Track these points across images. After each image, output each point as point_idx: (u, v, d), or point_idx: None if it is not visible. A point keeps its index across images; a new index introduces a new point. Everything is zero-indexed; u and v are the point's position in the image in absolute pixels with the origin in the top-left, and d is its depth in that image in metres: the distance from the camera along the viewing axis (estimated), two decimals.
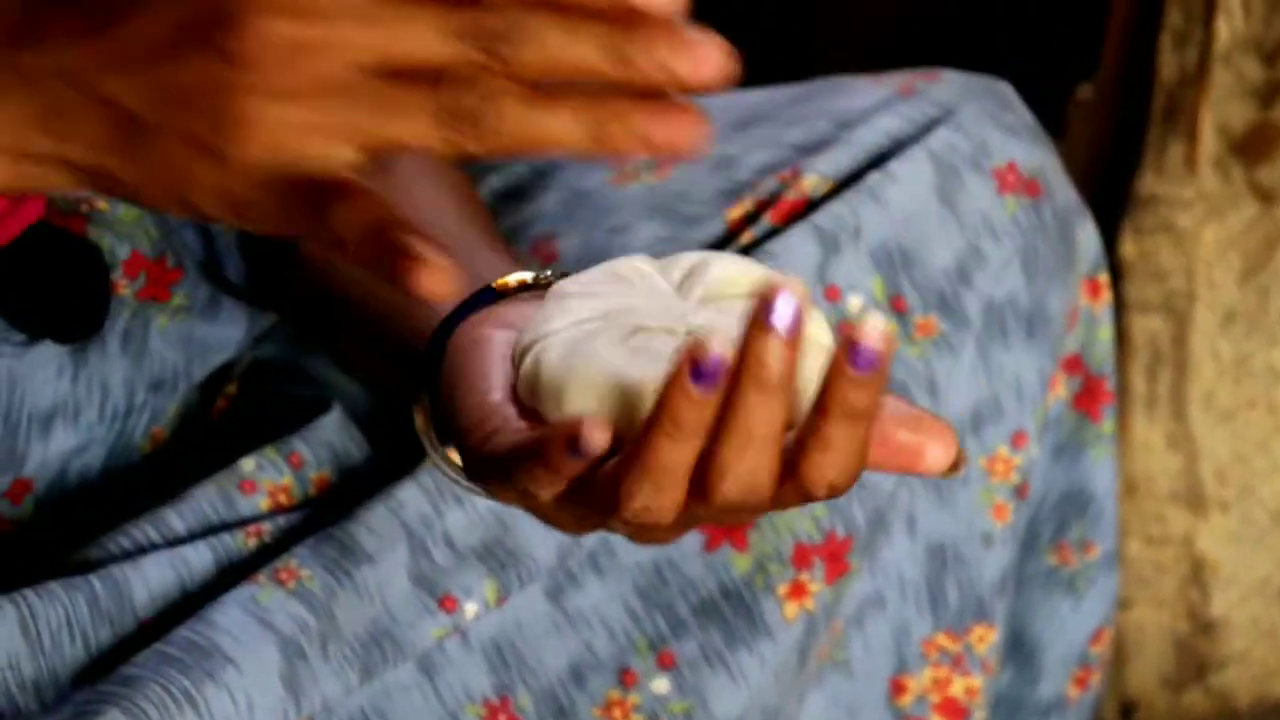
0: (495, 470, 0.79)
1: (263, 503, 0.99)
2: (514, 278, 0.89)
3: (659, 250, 1.08)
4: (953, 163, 1.09)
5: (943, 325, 1.08)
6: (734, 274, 0.82)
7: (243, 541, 0.97)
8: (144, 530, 0.97)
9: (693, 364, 0.72)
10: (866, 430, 0.75)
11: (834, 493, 0.76)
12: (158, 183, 0.74)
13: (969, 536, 1.11)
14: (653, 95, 0.71)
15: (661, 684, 1.04)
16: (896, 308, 1.08)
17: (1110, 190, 1.45)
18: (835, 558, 1.06)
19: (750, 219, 1.09)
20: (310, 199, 0.72)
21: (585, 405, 0.78)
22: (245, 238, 1.11)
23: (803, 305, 0.72)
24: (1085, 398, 1.17)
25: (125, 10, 0.73)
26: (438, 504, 0.99)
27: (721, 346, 0.72)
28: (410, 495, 0.98)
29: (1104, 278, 1.16)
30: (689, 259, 0.83)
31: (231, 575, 0.96)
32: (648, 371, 0.77)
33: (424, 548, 0.98)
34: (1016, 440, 1.11)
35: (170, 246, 1.02)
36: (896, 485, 1.08)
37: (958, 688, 1.12)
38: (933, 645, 1.12)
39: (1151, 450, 1.45)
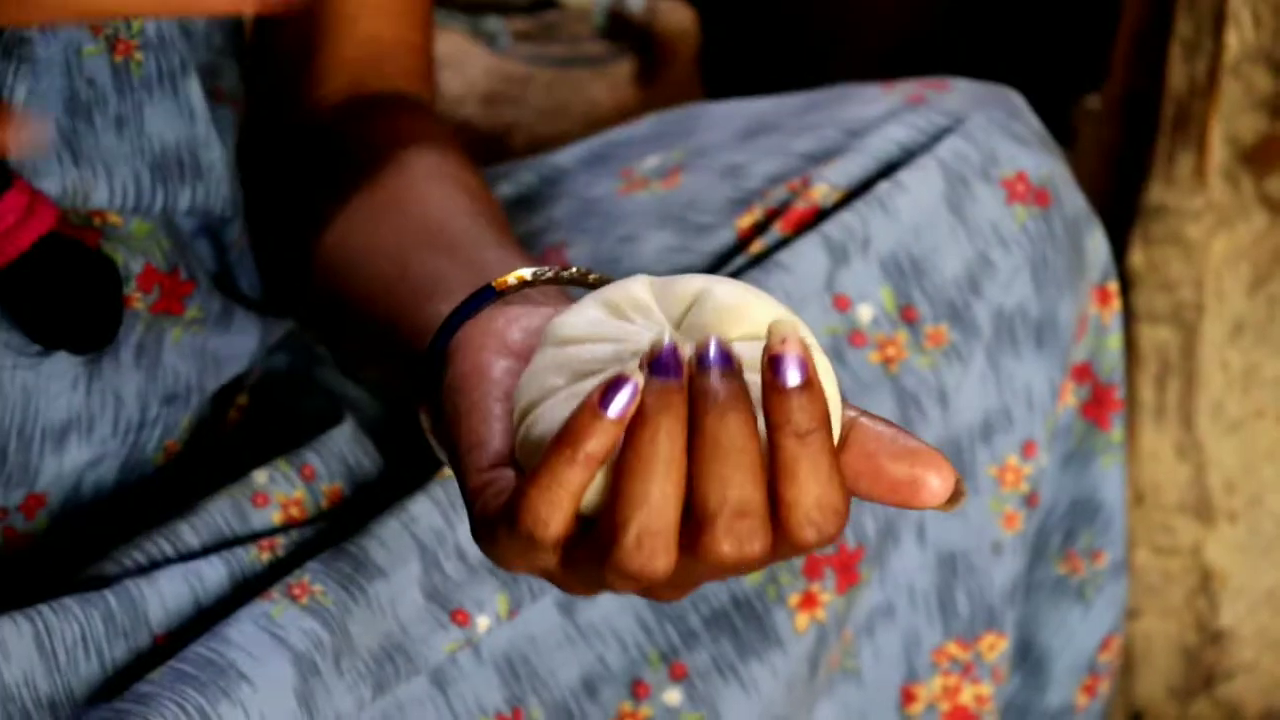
0: (492, 530, 0.79)
1: (275, 515, 0.99)
2: (513, 276, 0.87)
3: (668, 259, 1.08)
4: (962, 172, 1.09)
5: (953, 335, 1.08)
6: (732, 304, 0.79)
7: (256, 556, 0.97)
8: (158, 544, 0.97)
9: (602, 393, 0.73)
10: (827, 455, 0.74)
11: (822, 533, 0.75)
12: None
13: (979, 545, 1.11)
14: None
15: (673, 695, 1.04)
16: (907, 317, 1.08)
17: (1119, 200, 1.44)
18: (846, 568, 1.06)
19: (760, 228, 1.09)
20: None
21: None
22: (260, 247, 1.11)
23: (805, 354, 0.73)
24: (1094, 406, 1.17)
25: None
26: (450, 517, 0.99)
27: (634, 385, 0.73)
28: (422, 509, 0.98)
29: (1113, 286, 1.16)
30: (691, 286, 0.81)
31: (245, 590, 0.96)
32: None
33: (436, 561, 0.98)
34: (1026, 449, 1.11)
35: (183, 259, 1.02)
36: None
37: (967, 696, 1.12)
38: (943, 654, 1.12)
39: (1160, 460, 1.45)
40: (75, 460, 0.98)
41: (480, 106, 1.68)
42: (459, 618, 0.98)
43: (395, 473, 1.03)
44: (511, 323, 0.85)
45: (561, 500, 0.74)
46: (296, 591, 0.94)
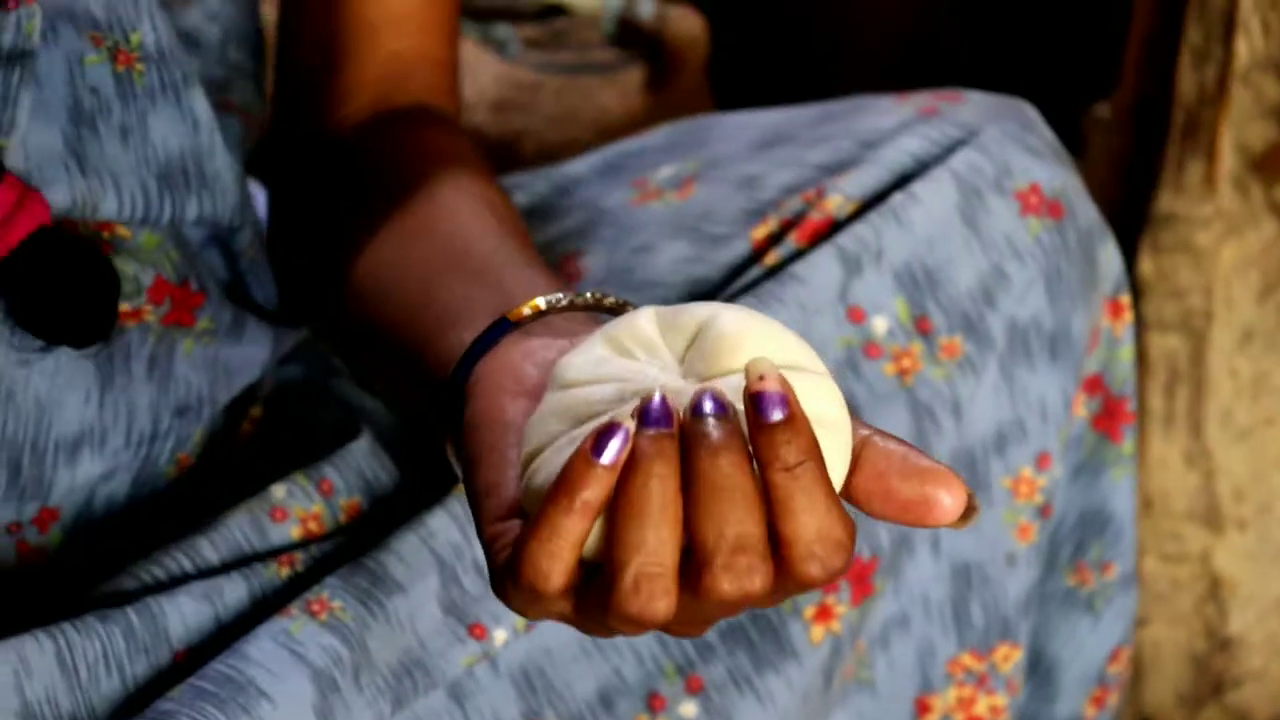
0: (503, 583, 0.78)
1: (294, 530, 0.99)
2: (528, 307, 0.88)
3: (683, 270, 1.08)
4: (976, 184, 1.09)
5: (967, 346, 1.08)
6: (733, 333, 0.79)
7: (275, 571, 0.97)
8: (177, 559, 0.97)
9: (595, 440, 0.73)
10: (821, 486, 0.74)
11: (826, 567, 0.75)
12: None
13: (993, 557, 1.11)
14: None
15: (689, 708, 1.04)
16: (921, 329, 1.08)
17: (1128, 208, 1.45)
18: (861, 579, 1.06)
19: (775, 239, 1.09)
20: None
21: None
22: (276, 256, 1.11)
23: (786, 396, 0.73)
24: (1105, 418, 1.17)
25: None
26: (467, 532, 0.98)
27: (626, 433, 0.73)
28: (440, 523, 0.98)
29: (1125, 298, 1.16)
30: (697, 316, 0.80)
31: (265, 606, 0.96)
32: None
33: (454, 575, 0.98)
34: (1040, 461, 1.11)
35: (193, 270, 1.02)
36: None
37: (982, 707, 1.13)
38: (958, 665, 1.12)
39: (1169, 468, 1.45)
40: (88, 473, 0.98)
41: (490, 113, 1.68)
42: (476, 631, 0.98)
43: (412, 487, 1.03)
44: (527, 358, 0.85)
45: (561, 551, 0.74)
46: (315, 608, 0.94)
